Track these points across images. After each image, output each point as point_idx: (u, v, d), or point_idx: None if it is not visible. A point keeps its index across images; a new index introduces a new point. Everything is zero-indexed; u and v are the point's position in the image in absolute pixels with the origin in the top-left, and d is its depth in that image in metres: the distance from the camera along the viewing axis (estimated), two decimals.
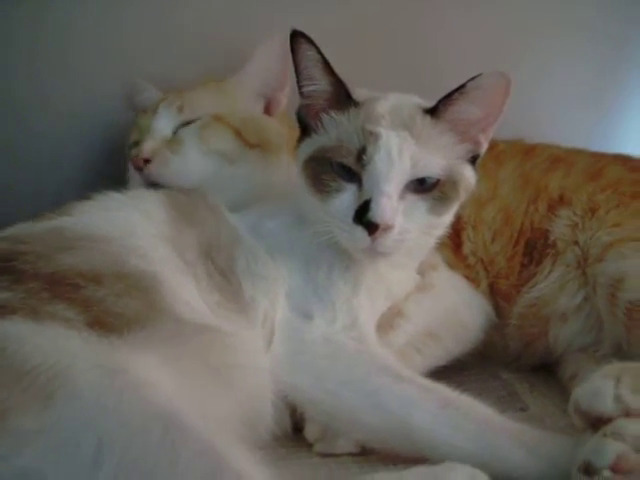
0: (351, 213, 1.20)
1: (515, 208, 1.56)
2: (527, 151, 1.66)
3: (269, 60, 1.66)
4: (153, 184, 1.54)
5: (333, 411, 1.17)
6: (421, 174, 1.22)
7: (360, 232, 1.18)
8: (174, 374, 0.97)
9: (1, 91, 1.85)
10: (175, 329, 1.05)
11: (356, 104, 1.27)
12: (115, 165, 1.74)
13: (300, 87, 1.30)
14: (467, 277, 1.53)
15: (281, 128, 1.69)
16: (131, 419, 0.86)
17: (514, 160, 1.63)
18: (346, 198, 1.22)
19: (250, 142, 1.61)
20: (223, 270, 1.25)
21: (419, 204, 1.23)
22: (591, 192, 1.52)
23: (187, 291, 1.17)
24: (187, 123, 1.61)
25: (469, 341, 1.48)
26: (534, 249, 1.53)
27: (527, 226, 1.55)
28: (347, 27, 1.92)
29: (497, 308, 1.54)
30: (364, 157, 1.20)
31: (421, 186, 1.22)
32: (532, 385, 1.50)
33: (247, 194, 1.51)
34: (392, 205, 1.18)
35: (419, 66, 1.95)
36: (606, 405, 1.04)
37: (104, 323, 0.99)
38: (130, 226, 1.22)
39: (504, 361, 1.56)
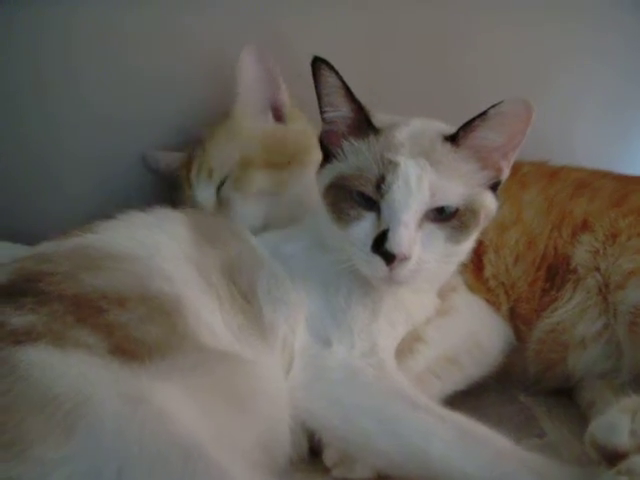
0: (369, 242, 1.20)
1: (539, 233, 1.55)
2: (552, 174, 1.65)
3: (250, 73, 1.67)
4: None
5: (350, 437, 1.17)
6: (440, 203, 1.21)
7: (378, 262, 1.19)
8: (194, 403, 0.99)
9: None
10: (196, 358, 1.06)
11: (376, 131, 1.26)
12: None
13: (322, 113, 1.30)
14: (488, 300, 1.53)
15: (299, 127, 1.71)
16: (152, 449, 0.88)
17: (539, 184, 1.62)
18: (365, 227, 1.22)
19: (281, 163, 1.63)
20: (245, 293, 1.26)
21: (437, 233, 1.22)
22: (614, 218, 1.50)
23: (210, 312, 1.18)
24: (222, 183, 1.65)
25: (489, 365, 1.47)
26: (556, 274, 1.52)
27: (550, 251, 1.53)
28: (372, 47, 1.92)
29: (517, 332, 1.53)
30: (383, 186, 1.20)
31: (440, 215, 1.22)
32: (550, 410, 1.49)
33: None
34: (409, 235, 1.17)
35: (448, 89, 1.96)
36: (622, 440, 1.03)
37: (126, 350, 1.01)
38: (154, 246, 1.23)
39: (523, 384, 1.55)
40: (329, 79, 1.25)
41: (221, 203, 1.65)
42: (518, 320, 1.53)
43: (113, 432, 0.88)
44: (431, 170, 1.20)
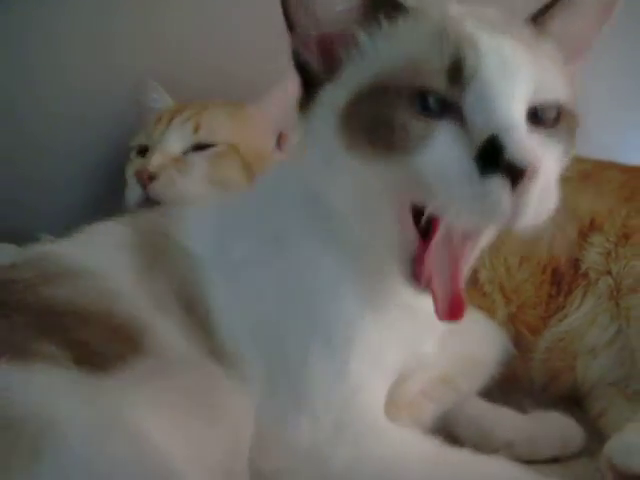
0: (468, 165, 0.79)
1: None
2: None
3: (285, 101, 1.57)
4: (152, 201, 1.50)
5: None
6: (546, 96, 0.85)
7: (498, 186, 0.77)
8: (164, 410, 0.89)
9: None
10: (163, 363, 0.95)
11: (408, 10, 0.89)
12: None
13: (300, 20, 0.90)
14: (481, 306, 1.40)
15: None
16: (126, 471, 0.79)
17: None
18: (446, 144, 0.81)
19: None
20: (204, 324, 1.03)
21: (551, 142, 0.85)
22: (625, 216, 1.40)
23: (171, 336, 1.01)
24: (201, 146, 1.55)
25: (485, 379, 1.35)
26: (562, 278, 1.42)
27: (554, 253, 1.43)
28: None
29: (521, 340, 1.42)
30: (462, 75, 0.81)
31: (542, 118, 0.85)
32: None
33: None
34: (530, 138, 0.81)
35: None
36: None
37: (91, 361, 0.90)
38: (111, 265, 1.08)
39: (529, 394, 1.44)
40: None
41: (181, 162, 1.54)
42: (523, 327, 1.43)
43: (82, 455, 0.79)
44: (523, 48, 0.84)
